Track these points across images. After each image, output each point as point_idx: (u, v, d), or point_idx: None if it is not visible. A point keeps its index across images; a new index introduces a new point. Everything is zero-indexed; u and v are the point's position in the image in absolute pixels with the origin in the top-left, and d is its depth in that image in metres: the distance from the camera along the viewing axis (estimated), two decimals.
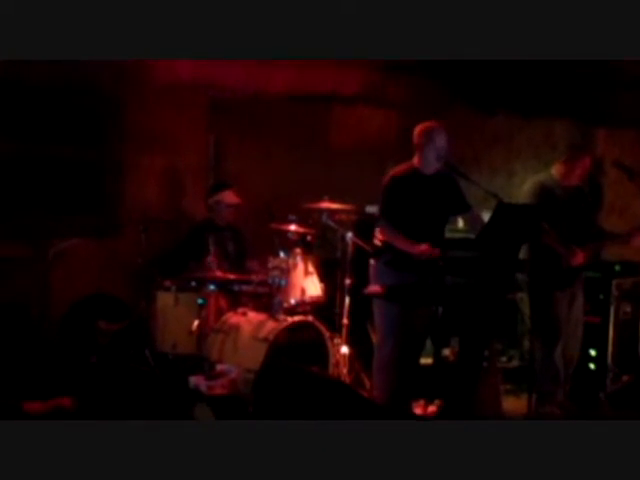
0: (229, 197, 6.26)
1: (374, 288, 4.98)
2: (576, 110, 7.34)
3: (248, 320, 5.62)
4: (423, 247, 4.67)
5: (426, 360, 5.28)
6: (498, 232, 4.63)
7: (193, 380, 5.13)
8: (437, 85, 7.38)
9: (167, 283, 5.95)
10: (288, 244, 5.80)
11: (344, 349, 5.63)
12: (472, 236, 5.16)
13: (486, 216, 4.98)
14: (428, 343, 5.19)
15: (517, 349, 6.77)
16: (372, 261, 5.17)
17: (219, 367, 5.30)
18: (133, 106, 6.63)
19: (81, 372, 5.60)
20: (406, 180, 5.00)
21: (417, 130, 5.04)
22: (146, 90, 6.59)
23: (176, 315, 5.84)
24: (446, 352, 5.73)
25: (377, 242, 5.16)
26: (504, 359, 6.58)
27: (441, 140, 4.97)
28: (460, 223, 6.17)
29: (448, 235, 5.53)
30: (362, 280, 5.44)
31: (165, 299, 5.91)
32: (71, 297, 6.10)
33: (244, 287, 6.01)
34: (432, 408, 5.10)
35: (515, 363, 6.67)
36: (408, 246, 4.77)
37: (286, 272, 5.66)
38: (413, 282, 4.79)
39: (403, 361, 4.95)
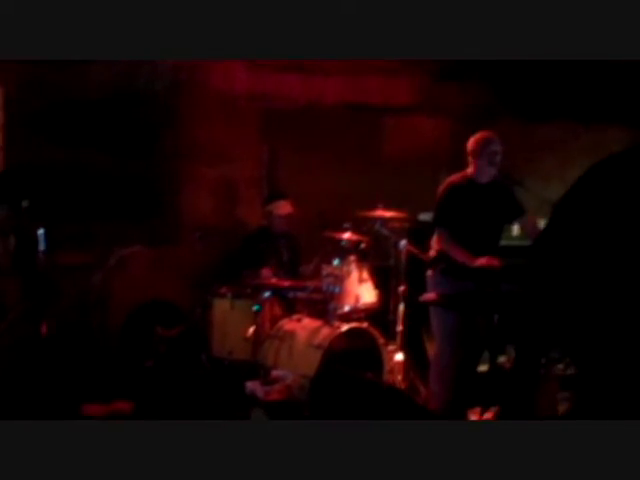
0: (282, 208, 6.32)
1: (430, 296, 4.99)
2: (631, 115, 7.26)
3: (303, 326, 5.67)
4: (482, 261, 4.65)
5: (482, 367, 5.26)
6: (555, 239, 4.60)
7: (249, 385, 5.19)
8: (490, 92, 7.37)
9: (223, 290, 6.01)
10: (342, 251, 5.85)
11: (399, 356, 5.65)
12: (528, 243, 5.15)
13: (542, 224, 4.98)
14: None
15: None
16: (429, 271, 5.17)
17: (275, 373, 5.36)
18: (189, 116, 6.75)
19: (139, 377, 5.70)
20: (462, 189, 5.02)
21: (471, 140, 5.06)
22: (201, 101, 6.71)
23: (232, 321, 5.90)
24: (502, 359, 5.71)
25: (432, 252, 5.17)
26: (561, 367, 6.51)
27: (495, 149, 4.97)
28: (515, 230, 6.15)
29: (503, 242, 5.50)
30: (416, 287, 5.45)
31: (221, 306, 5.98)
32: (130, 303, 6.22)
33: (299, 294, 6.06)
34: (488, 416, 5.08)
35: (572, 371, 6.58)
36: (467, 259, 4.76)
37: (340, 279, 5.70)
38: (469, 290, 4.78)
39: (460, 369, 4.95)
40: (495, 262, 4.63)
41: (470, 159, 5.05)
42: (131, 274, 6.24)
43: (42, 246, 4.67)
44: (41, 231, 4.65)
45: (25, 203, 4.66)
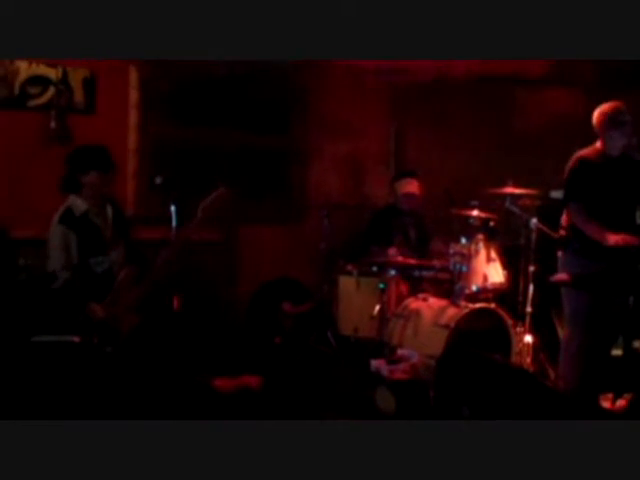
0: (406, 186, 6.26)
1: (561, 276, 4.82)
2: None
3: (429, 306, 5.62)
4: (618, 237, 4.46)
5: (616, 352, 5.06)
6: None
7: (374, 363, 5.18)
8: (627, 62, 7.01)
9: (349, 267, 6.05)
10: (470, 230, 5.74)
11: (528, 338, 5.50)
12: None
13: None
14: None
15: None
16: (560, 251, 5.00)
17: (400, 352, 5.33)
18: (317, 94, 6.75)
19: (266, 352, 5.81)
20: (593, 162, 4.81)
21: (597, 112, 4.83)
22: (329, 77, 6.69)
23: (358, 299, 5.93)
24: (637, 344, 5.47)
25: (562, 232, 4.99)
26: None
27: (623, 119, 4.74)
28: None
29: None
30: (547, 267, 5.29)
31: (347, 283, 6.01)
32: (257, 280, 6.34)
33: (425, 273, 6.01)
34: (621, 402, 4.90)
35: None
36: (600, 234, 4.57)
37: (468, 258, 5.60)
38: (603, 270, 4.60)
39: (591, 352, 4.77)
40: (632, 240, 4.43)
41: (598, 132, 4.84)
42: (257, 252, 6.31)
43: (174, 222, 4.78)
44: (173, 207, 4.76)
45: (158, 180, 4.79)
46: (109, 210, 4.80)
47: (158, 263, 4.73)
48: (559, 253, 4.98)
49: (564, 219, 4.98)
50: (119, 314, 4.52)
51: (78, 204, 4.65)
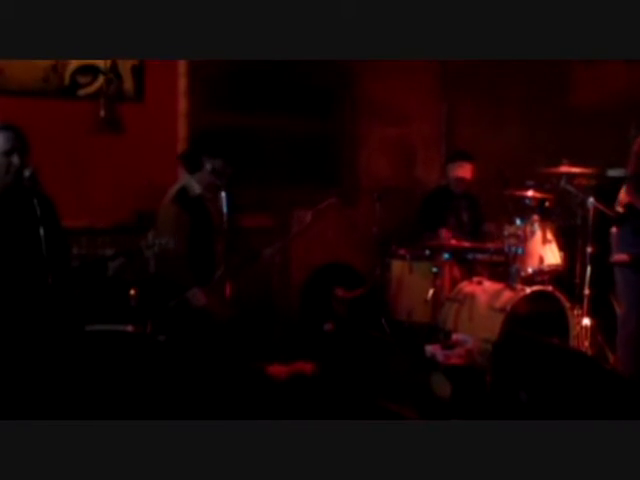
0: (458, 170, 6.15)
1: (621, 256, 4.71)
2: None
3: (484, 289, 5.55)
4: None
5: None
6: None
7: (429, 349, 5.13)
8: None
9: (401, 252, 5.99)
10: (525, 211, 5.63)
11: (586, 321, 5.40)
12: None
13: None
14: None
15: None
16: (614, 229, 4.87)
17: (455, 336, 5.27)
18: (365, 76, 6.68)
19: (320, 338, 5.79)
20: None
21: None
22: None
23: (411, 283, 5.88)
24: None
25: (620, 209, 4.86)
26: None
27: None
28: None
29: None
30: (604, 248, 5.17)
31: (400, 268, 5.96)
32: (309, 265, 6.31)
33: (479, 256, 5.94)
34: None
35: None
36: None
37: (523, 240, 5.51)
38: None
39: None
40: None
41: None
42: (310, 237, 6.27)
43: (224, 208, 4.77)
44: (223, 194, 4.74)
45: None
46: (222, 198, 4.75)
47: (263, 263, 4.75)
48: (614, 231, 4.86)
49: (622, 196, 4.84)
50: (218, 304, 4.53)
51: (193, 185, 4.60)
